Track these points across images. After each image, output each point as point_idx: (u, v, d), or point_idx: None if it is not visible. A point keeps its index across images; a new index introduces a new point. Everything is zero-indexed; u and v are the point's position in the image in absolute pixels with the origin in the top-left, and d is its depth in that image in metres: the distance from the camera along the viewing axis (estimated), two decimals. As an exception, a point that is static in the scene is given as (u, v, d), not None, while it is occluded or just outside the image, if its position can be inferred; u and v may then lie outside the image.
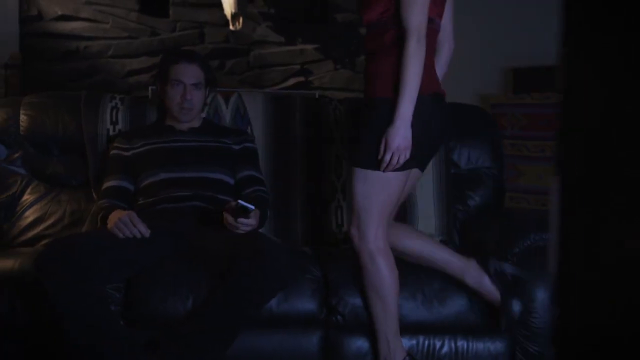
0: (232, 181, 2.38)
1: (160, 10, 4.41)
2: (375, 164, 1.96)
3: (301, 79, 4.53)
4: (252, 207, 1.99)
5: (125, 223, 2.06)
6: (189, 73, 2.36)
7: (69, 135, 2.55)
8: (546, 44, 4.05)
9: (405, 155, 1.92)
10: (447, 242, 2.50)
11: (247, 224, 2.06)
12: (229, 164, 2.38)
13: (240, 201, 1.97)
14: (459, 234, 2.52)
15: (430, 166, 2.50)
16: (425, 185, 2.54)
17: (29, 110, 2.57)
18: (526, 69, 4.15)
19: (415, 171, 2.09)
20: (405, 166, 1.97)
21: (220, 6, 4.17)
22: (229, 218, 2.07)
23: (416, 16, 1.90)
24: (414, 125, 1.93)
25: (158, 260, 2.11)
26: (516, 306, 2.12)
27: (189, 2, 4.42)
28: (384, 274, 2.02)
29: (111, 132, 2.52)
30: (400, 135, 1.90)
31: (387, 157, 1.91)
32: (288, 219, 2.56)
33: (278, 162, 2.60)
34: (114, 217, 2.11)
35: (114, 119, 2.54)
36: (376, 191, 1.98)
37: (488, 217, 2.50)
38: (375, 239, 2.00)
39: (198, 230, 2.20)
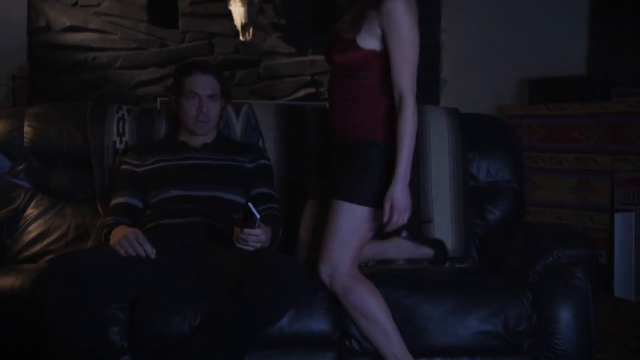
0: (242, 200, 2.30)
1: (169, 21, 4.39)
2: (366, 200, 2.03)
3: (312, 90, 4.48)
4: (258, 215, 1.91)
5: (130, 241, 1.98)
6: (205, 84, 2.30)
7: (74, 147, 2.49)
8: (562, 55, 4.13)
9: (409, 213, 1.99)
10: (465, 258, 2.42)
11: (254, 235, 1.97)
12: (242, 184, 2.32)
13: (249, 203, 1.90)
14: (478, 249, 2.43)
15: (447, 179, 2.44)
16: (442, 198, 2.46)
17: (34, 121, 2.50)
18: (542, 79, 4.07)
19: None
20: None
21: (230, 17, 4.16)
22: (236, 231, 1.99)
23: (410, 78, 2.02)
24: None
25: (164, 277, 2.03)
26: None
27: (199, 13, 4.39)
28: (367, 298, 2.02)
29: (118, 144, 2.46)
30: (405, 196, 1.98)
31: (395, 219, 1.98)
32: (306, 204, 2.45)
33: (290, 174, 2.53)
34: (118, 234, 2.03)
35: (120, 131, 2.47)
36: (360, 226, 2.03)
37: (508, 232, 2.41)
38: (349, 271, 2.02)
39: (208, 245, 2.13)
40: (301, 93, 4.48)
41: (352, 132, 2.10)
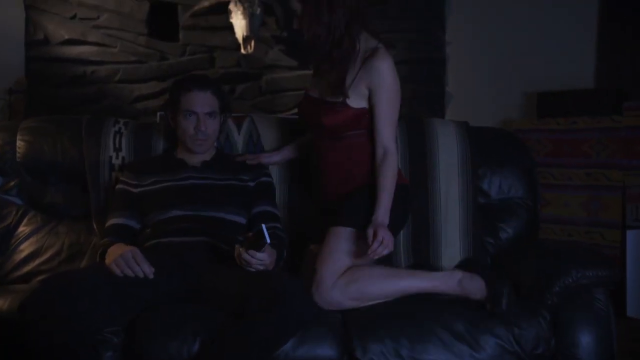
0: (244, 221, 2.23)
1: (169, 33, 4.30)
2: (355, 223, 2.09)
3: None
4: (268, 239, 1.82)
5: (127, 259, 1.88)
6: (202, 102, 2.21)
7: (69, 163, 2.41)
8: (570, 68, 4.06)
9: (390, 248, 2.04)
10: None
11: (259, 258, 1.88)
12: (244, 204, 2.24)
13: (263, 225, 1.81)
14: (491, 270, 2.32)
15: (456, 195, 2.37)
16: (451, 214, 2.38)
17: (27, 135, 2.42)
18: (551, 93, 3.97)
19: None
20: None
21: (231, 30, 4.09)
22: (241, 251, 1.89)
23: (393, 131, 2.15)
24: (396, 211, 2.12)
25: (163, 298, 1.93)
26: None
27: (199, 26, 4.30)
28: (364, 286, 2.02)
29: (114, 160, 2.37)
30: (389, 234, 2.03)
31: (380, 250, 2.01)
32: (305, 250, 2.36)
33: (294, 190, 2.44)
34: (114, 252, 1.94)
35: (117, 145, 2.38)
36: (353, 249, 2.07)
37: (523, 251, 2.31)
38: (332, 286, 2.01)
39: (208, 265, 2.03)
40: (304, 107, 4.38)
41: (348, 187, 2.17)
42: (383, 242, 1.98)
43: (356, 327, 1.91)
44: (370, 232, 2.00)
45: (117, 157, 2.37)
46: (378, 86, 2.07)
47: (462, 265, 2.26)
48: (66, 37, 4.22)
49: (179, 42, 4.30)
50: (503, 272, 2.21)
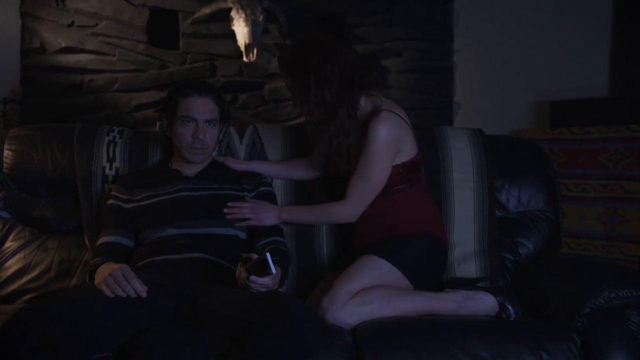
0: (245, 235, 2.10)
1: (169, 41, 4.23)
2: (398, 263, 2.01)
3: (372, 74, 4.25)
4: (274, 270, 1.67)
5: (117, 279, 1.73)
6: (202, 108, 2.08)
7: (60, 174, 2.26)
8: (583, 75, 3.95)
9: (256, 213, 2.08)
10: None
11: (261, 284, 1.75)
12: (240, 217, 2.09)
13: (267, 254, 1.66)
14: (510, 287, 2.15)
15: (471, 212, 2.25)
16: (466, 232, 2.23)
17: (15, 144, 2.28)
18: (564, 101, 3.86)
19: None
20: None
21: (233, 37, 4.02)
22: (243, 273, 1.76)
23: (361, 197, 2.07)
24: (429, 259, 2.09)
25: (156, 321, 1.77)
26: None
27: (200, 33, 4.22)
28: (377, 309, 1.91)
29: (107, 170, 2.23)
30: (265, 212, 2.09)
31: (235, 210, 2.06)
32: (312, 262, 2.24)
33: (299, 201, 2.29)
34: (104, 271, 1.79)
35: (110, 155, 2.24)
36: (374, 277, 1.97)
37: (545, 268, 2.15)
38: (344, 305, 1.91)
39: (206, 285, 1.88)
40: (308, 117, 4.26)
41: (390, 233, 2.10)
42: (248, 208, 2.04)
43: (371, 351, 1.74)
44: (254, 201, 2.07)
45: (110, 168, 2.23)
46: (365, 145, 2.00)
47: (476, 282, 2.11)
48: (63, 45, 4.15)
49: (180, 50, 4.22)
50: (524, 290, 2.05)
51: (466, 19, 4.32)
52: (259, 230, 2.09)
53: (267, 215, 2.07)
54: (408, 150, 2.07)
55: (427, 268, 2.07)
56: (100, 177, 2.22)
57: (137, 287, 1.73)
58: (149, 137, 2.32)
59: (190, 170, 2.15)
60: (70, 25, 4.15)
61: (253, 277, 1.72)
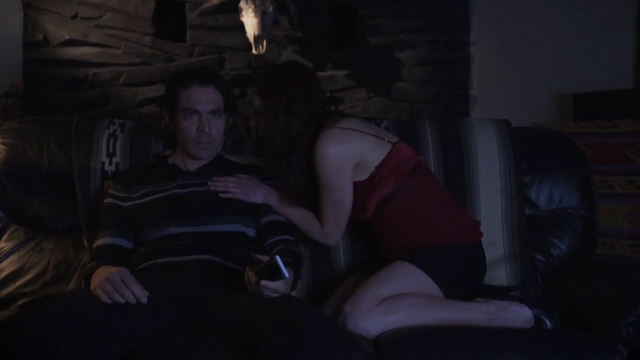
0: (253, 233, 1.98)
1: (176, 33, 4.14)
2: (432, 272, 1.89)
3: (331, 107, 4.11)
4: (287, 274, 1.54)
5: (115, 283, 1.60)
6: (205, 99, 1.95)
7: (56, 170, 2.16)
8: (606, 67, 3.80)
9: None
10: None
11: (273, 288, 1.60)
12: (249, 211, 1.98)
13: (277, 257, 1.53)
14: (543, 292, 2.02)
15: (498, 212, 2.11)
16: (494, 234, 2.09)
17: (9, 138, 2.18)
18: (588, 94, 3.73)
19: None
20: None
21: (241, 29, 3.91)
22: (252, 277, 1.61)
23: (330, 218, 1.99)
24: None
25: (157, 331, 1.62)
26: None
27: (208, 25, 4.13)
28: (404, 318, 1.78)
29: (107, 166, 2.12)
30: (258, 195, 2.00)
31: (220, 184, 1.98)
32: (328, 266, 2.11)
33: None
34: (100, 275, 1.66)
35: (110, 150, 2.13)
36: (404, 285, 1.86)
37: (580, 270, 2.01)
38: (368, 313, 1.78)
39: (212, 289, 1.74)
40: (319, 111, 4.15)
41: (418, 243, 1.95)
42: (234, 182, 1.96)
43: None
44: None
45: (110, 163, 2.12)
46: (315, 172, 1.93)
47: (508, 291, 1.97)
48: (67, 37, 4.09)
49: (187, 42, 4.14)
50: (557, 295, 1.90)
51: (483, 10, 4.21)
52: (267, 228, 1.97)
53: (255, 192, 1.99)
54: (372, 154, 1.94)
55: (463, 278, 1.94)
56: (99, 173, 2.11)
57: (137, 292, 1.60)
58: (152, 130, 2.21)
59: (192, 166, 2.04)
60: (74, 17, 4.07)
61: (264, 282, 1.59)
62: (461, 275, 1.92)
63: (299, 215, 2.00)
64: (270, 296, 1.62)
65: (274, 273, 1.55)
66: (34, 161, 2.15)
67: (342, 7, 4.13)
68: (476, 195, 2.13)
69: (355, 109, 4.13)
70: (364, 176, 1.93)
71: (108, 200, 1.98)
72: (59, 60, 4.06)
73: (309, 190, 1.96)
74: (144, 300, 1.60)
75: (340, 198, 1.93)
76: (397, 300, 1.79)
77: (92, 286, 1.64)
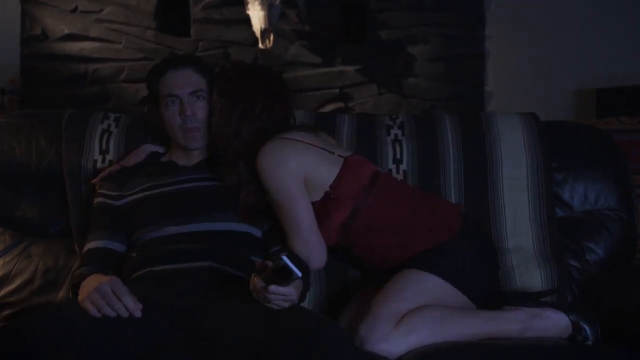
0: (259, 233, 1.85)
1: (180, 28, 4.06)
2: (448, 276, 1.73)
3: (340, 104, 4.12)
4: (299, 273, 1.38)
5: (104, 294, 1.45)
6: (182, 81, 1.87)
7: (46, 167, 2.04)
8: (627, 61, 3.64)
9: None
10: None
11: (283, 294, 1.45)
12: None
13: (284, 257, 1.38)
14: (579, 301, 1.88)
15: (526, 215, 1.97)
16: (522, 239, 1.95)
17: (-6, 133, 2.07)
18: (612, 89, 3.60)
19: None
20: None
21: (247, 23, 3.80)
22: (258, 284, 1.46)
23: (303, 242, 1.81)
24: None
25: (152, 346, 1.47)
26: None
27: (213, 19, 4.04)
28: (427, 336, 1.63)
29: (99, 164, 2.00)
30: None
31: None
32: (342, 276, 1.96)
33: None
34: (89, 284, 1.51)
35: (104, 147, 2.01)
36: (422, 294, 1.70)
37: (620, 277, 1.88)
38: (387, 334, 1.63)
39: (214, 300, 1.59)
40: (328, 108, 4.10)
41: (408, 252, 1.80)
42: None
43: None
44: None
45: (103, 161, 1.99)
46: (265, 190, 1.79)
47: (539, 297, 1.81)
48: (66, 32, 4.00)
49: (191, 37, 4.05)
50: (596, 305, 1.75)
51: (499, 2, 4.10)
52: (273, 233, 1.84)
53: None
54: (320, 170, 1.80)
55: (477, 269, 1.78)
56: (91, 172, 1.99)
57: (130, 305, 1.45)
58: (149, 126, 2.08)
59: (189, 161, 1.92)
60: (74, 10, 3.99)
61: (273, 288, 1.43)
62: (474, 266, 1.77)
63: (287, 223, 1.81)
64: (280, 306, 1.47)
65: (284, 275, 1.40)
66: (21, 158, 2.04)
67: (352, 0, 4.04)
68: (499, 197, 1.99)
69: (366, 106, 4.05)
70: (317, 196, 1.79)
71: (98, 199, 1.86)
72: (57, 55, 3.99)
73: (262, 209, 1.82)
74: (138, 314, 1.45)
75: (295, 209, 1.76)
76: (416, 315, 1.64)
77: (80, 297, 1.49)
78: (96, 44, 4.00)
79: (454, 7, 4.06)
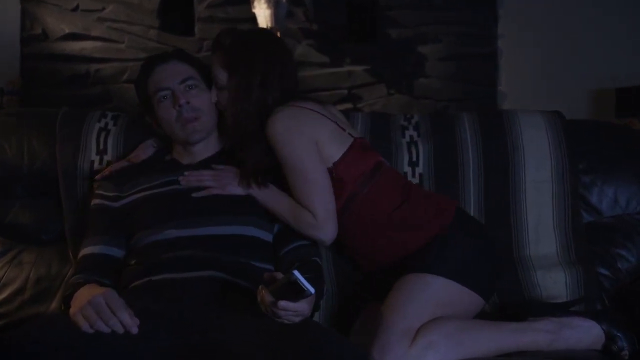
0: (269, 237, 1.74)
1: (183, 27, 4.02)
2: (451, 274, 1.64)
3: (349, 105, 4.07)
4: (312, 289, 1.28)
5: (98, 307, 1.34)
6: (170, 72, 1.81)
7: (39, 169, 1.95)
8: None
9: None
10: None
11: (294, 310, 1.34)
12: (262, 211, 1.74)
13: (295, 272, 1.28)
14: (612, 312, 1.74)
15: (549, 221, 1.88)
16: (544, 240, 1.85)
17: (-17, 133, 2.00)
18: (633, 88, 3.55)
19: None
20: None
21: (253, 21, 3.75)
22: (267, 297, 1.35)
23: (316, 204, 1.73)
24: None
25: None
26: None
27: (217, 17, 3.99)
28: (445, 353, 1.54)
29: (97, 165, 1.91)
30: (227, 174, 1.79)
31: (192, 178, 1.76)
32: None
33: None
34: (82, 296, 1.41)
35: (101, 147, 1.92)
36: (431, 301, 1.61)
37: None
38: (402, 356, 1.53)
39: (218, 313, 1.48)
40: (336, 109, 4.02)
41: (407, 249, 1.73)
42: (209, 175, 1.73)
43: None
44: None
45: (100, 162, 1.90)
46: (278, 156, 1.72)
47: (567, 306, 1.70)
48: (67, 31, 3.96)
49: (195, 36, 4.01)
50: (631, 317, 1.64)
51: (512, 0, 4.05)
52: (281, 234, 1.74)
53: (234, 184, 1.75)
54: (330, 144, 1.73)
55: (482, 265, 1.70)
56: (87, 173, 1.90)
57: (126, 320, 1.34)
58: (150, 124, 1.97)
59: (193, 159, 1.82)
60: (75, 9, 3.95)
61: (283, 303, 1.33)
62: (475, 259, 1.69)
63: (288, 206, 1.73)
64: (291, 321, 1.37)
65: (295, 290, 1.30)
66: (12, 160, 1.95)
67: (361, -2, 4.06)
68: (520, 201, 1.90)
69: (375, 107, 3.99)
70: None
71: (96, 201, 1.77)
72: (58, 55, 3.95)
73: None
74: (134, 330, 1.35)
75: (314, 178, 1.69)
76: (432, 331, 1.54)
77: (72, 310, 1.39)
78: (98, 44, 3.96)
79: (465, 5, 4.03)
